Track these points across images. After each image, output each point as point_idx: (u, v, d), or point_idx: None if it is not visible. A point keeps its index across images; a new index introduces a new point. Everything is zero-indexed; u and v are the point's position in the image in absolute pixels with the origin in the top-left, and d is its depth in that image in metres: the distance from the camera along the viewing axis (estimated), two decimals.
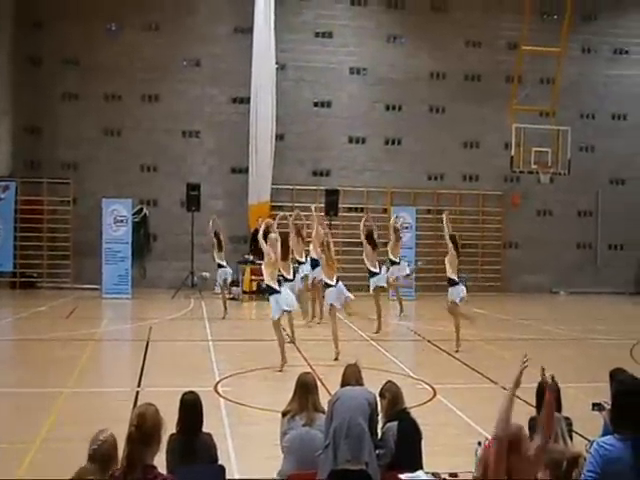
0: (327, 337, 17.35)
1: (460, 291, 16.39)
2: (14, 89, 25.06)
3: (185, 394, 7.05)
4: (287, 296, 14.27)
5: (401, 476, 6.70)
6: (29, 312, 20.32)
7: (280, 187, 26.20)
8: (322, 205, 25.21)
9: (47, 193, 25.51)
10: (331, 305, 15.89)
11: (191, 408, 6.95)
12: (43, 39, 25.71)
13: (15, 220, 24.85)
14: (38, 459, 8.44)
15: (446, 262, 16.60)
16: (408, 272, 21.47)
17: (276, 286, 14.08)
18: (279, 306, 13.94)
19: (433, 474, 6.86)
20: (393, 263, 20.97)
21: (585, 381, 12.47)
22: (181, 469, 6.39)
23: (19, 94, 25.19)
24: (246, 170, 25.76)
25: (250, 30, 25.61)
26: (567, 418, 6.62)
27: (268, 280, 14.13)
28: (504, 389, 12.57)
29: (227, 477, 6.89)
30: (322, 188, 26.17)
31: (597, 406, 6.89)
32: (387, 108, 27.65)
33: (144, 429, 4.93)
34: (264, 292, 14.95)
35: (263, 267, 14.34)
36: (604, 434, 6.46)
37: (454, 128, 27.52)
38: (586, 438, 7.40)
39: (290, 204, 26.27)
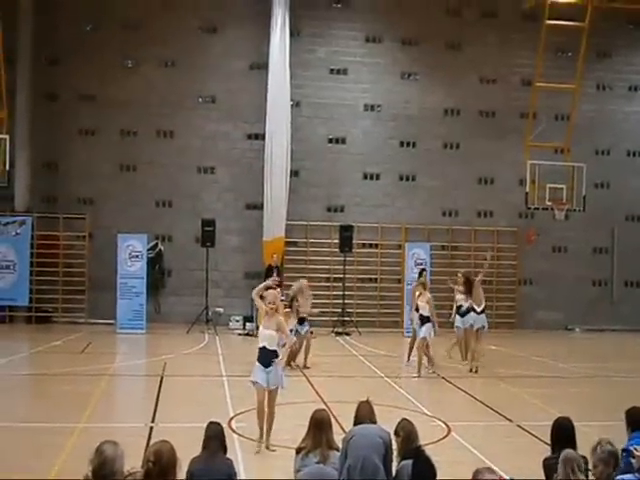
0: (340, 374, 17.34)
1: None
2: (31, 125, 25.26)
3: (211, 423, 7.39)
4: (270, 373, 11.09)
5: None
6: (44, 346, 20.35)
7: (295, 223, 26.23)
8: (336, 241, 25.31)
9: (63, 228, 25.63)
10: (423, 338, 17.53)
11: (216, 436, 7.23)
12: (60, 75, 25.97)
13: (31, 255, 24.97)
14: None
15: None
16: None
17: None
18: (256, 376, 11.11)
19: None
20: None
21: (600, 419, 12.36)
22: None
23: (36, 130, 25.37)
24: (261, 206, 25.80)
25: (265, 66, 25.81)
26: (583, 457, 6.57)
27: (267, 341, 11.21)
28: (519, 427, 12.53)
29: None
30: (336, 224, 26.18)
31: (625, 452, 6.80)
32: (401, 144, 27.71)
33: (161, 465, 4.94)
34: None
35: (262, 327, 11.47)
36: (622, 472, 6.43)
37: (469, 164, 27.55)
38: None
39: (304, 240, 26.36)
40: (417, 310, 18.60)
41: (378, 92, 27.68)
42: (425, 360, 18.08)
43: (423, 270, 20.41)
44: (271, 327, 11.11)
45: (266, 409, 10.96)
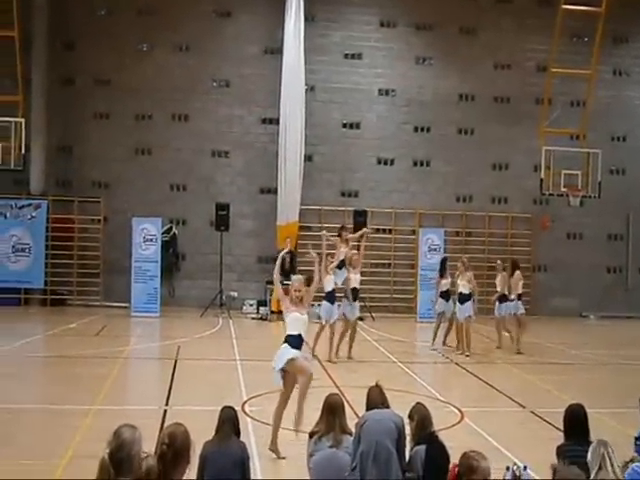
0: (353, 359, 17.32)
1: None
2: (47, 109, 25.34)
3: (225, 407, 7.41)
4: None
5: None
6: (59, 329, 20.46)
7: (308, 208, 26.23)
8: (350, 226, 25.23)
9: (78, 212, 25.74)
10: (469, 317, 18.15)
11: (229, 420, 7.26)
12: (75, 60, 26.04)
13: (46, 238, 25.10)
14: (67, 476, 8.52)
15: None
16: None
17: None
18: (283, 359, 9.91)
19: None
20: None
21: (613, 406, 12.37)
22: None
23: (52, 114, 25.46)
24: (275, 190, 25.83)
25: (279, 51, 25.79)
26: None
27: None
28: (533, 413, 12.52)
29: None
30: (350, 209, 26.14)
31: (639, 440, 6.81)
32: (416, 129, 27.64)
33: (175, 448, 4.98)
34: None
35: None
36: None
37: (483, 150, 27.47)
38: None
39: (318, 225, 26.29)
40: (441, 295, 19.21)
41: (392, 77, 27.60)
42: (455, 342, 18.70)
43: (445, 260, 20.30)
44: (304, 310, 10.12)
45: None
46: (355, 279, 17.55)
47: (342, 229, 18.93)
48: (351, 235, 19.04)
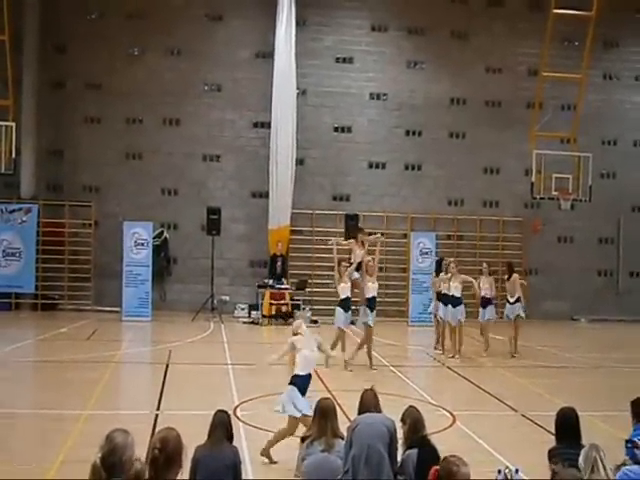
0: (344, 363, 17.29)
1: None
2: (37, 112, 25.27)
3: (219, 411, 7.37)
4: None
5: None
6: (50, 333, 20.40)
7: (300, 212, 26.22)
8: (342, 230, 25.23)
9: (69, 216, 25.68)
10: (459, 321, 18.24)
11: (222, 424, 7.23)
12: (66, 63, 25.99)
13: (37, 242, 25.02)
14: None
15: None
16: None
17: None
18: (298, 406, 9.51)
19: None
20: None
21: (605, 409, 12.39)
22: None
23: (42, 117, 25.40)
24: (266, 194, 25.81)
25: (271, 55, 25.79)
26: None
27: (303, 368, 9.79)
28: (524, 417, 12.53)
29: None
30: (342, 213, 26.16)
31: (630, 442, 6.82)
32: (407, 133, 27.66)
33: (167, 452, 4.96)
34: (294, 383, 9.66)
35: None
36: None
37: (474, 154, 27.50)
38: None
39: (310, 229, 26.34)
40: (438, 298, 19.20)
41: (384, 81, 27.62)
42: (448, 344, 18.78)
43: (442, 260, 20.43)
44: (313, 347, 10.07)
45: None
46: (373, 288, 17.02)
47: (359, 231, 19.00)
48: (367, 238, 19.01)
